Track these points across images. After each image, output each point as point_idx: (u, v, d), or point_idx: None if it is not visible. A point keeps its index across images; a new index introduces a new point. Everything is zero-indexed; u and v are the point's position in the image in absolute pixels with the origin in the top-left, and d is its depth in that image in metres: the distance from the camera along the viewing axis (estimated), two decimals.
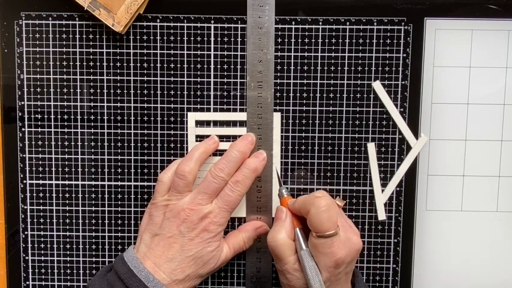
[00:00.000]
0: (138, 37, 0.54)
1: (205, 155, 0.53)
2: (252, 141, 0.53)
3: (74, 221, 0.56)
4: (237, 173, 0.52)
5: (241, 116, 0.54)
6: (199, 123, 0.55)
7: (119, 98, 0.55)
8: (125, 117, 0.55)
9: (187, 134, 0.55)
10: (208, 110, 0.55)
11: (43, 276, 0.56)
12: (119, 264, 0.50)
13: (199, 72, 0.54)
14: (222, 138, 0.55)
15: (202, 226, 0.50)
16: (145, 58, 0.54)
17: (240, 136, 0.54)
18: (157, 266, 0.49)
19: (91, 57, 0.54)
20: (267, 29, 0.53)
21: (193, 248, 0.50)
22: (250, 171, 0.52)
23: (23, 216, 0.56)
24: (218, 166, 0.51)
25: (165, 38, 0.54)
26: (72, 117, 0.55)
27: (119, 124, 0.55)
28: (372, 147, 0.55)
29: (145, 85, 0.54)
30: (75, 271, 0.56)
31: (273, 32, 0.53)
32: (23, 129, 0.55)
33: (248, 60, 0.53)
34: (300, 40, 0.54)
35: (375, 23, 0.53)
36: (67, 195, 0.55)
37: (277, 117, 0.54)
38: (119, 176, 0.55)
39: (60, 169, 0.55)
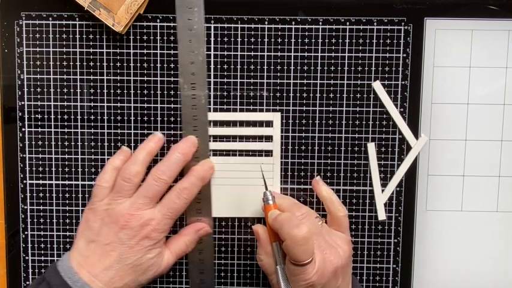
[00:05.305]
0: (138, 37, 0.54)
1: (150, 156, 0.52)
2: (194, 143, 0.53)
3: (74, 221, 0.56)
4: (185, 179, 0.51)
5: (242, 116, 0.54)
6: None
7: (119, 98, 0.55)
8: (125, 117, 0.55)
9: None
10: (209, 110, 0.55)
11: None
12: (52, 276, 0.47)
13: None
14: (222, 138, 0.55)
15: (144, 233, 0.48)
16: (145, 58, 0.54)
17: (239, 136, 0.54)
18: (93, 275, 0.47)
19: (91, 57, 0.54)
20: (196, 30, 0.53)
21: (132, 255, 0.48)
22: (197, 179, 0.51)
23: (23, 216, 0.56)
24: (160, 169, 0.50)
25: (165, 38, 0.54)
26: (72, 117, 0.55)
27: (119, 124, 0.55)
28: (372, 147, 0.55)
29: (145, 85, 0.54)
30: None
31: (203, 33, 0.53)
32: (23, 129, 0.55)
33: (180, 62, 0.53)
34: (300, 40, 0.54)
35: (375, 23, 0.53)
36: (67, 195, 0.55)
37: (277, 117, 0.54)
38: None
39: (60, 169, 0.55)
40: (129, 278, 0.48)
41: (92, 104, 0.55)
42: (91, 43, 0.54)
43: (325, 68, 0.54)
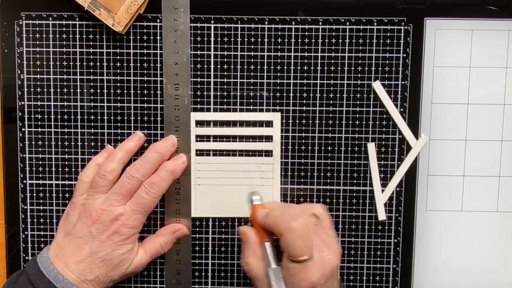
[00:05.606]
0: (138, 37, 0.54)
1: (128, 154, 0.52)
2: (173, 143, 0.53)
3: None
4: (154, 175, 0.51)
5: (242, 116, 0.54)
6: (199, 123, 0.55)
7: (119, 98, 0.55)
8: (125, 117, 0.55)
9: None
10: (208, 110, 0.55)
11: None
12: (30, 266, 0.49)
13: (199, 72, 0.54)
14: (222, 138, 0.55)
15: (114, 228, 0.49)
16: (145, 58, 0.54)
17: (239, 136, 0.54)
18: (66, 266, 0.48)
19: (91, 57, 0.54)
20: (181, 31, 0.53)
21: (103, 250, 0.49)
22: (167, 174, 0.51)
23: (23, 216, 0.56)
24: (134, 167, 0.50)
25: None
26: (72, 117, 0.55)
27: (119, 124, 0.55)
28: (372, 147, 0.55)
29: (145, 85, 0.54)
30: None
31: (188, 34, 0.53)
32: (23, 129, 0.55)
33: (164, 62, 0.53)
34: (300, 40, 0.54)
35: (375, 23, 0.53)
36: (67, 195, 0.55)
37: (277, 117, 0.54)
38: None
39: (60, 169, 0.55)
40: (100, 271, 0.49)
41: (92, 104, 0.55)
42: (91, 43, 0.54)
43: (325, 68, 0.54)
